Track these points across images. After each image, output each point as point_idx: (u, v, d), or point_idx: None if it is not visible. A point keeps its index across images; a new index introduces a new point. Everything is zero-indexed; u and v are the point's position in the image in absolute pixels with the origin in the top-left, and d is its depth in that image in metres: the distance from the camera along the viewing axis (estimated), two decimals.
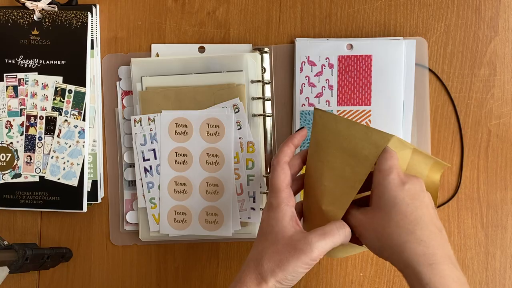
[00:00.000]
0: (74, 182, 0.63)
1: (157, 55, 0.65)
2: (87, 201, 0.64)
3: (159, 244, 0.65)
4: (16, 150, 0.64)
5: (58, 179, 0.63)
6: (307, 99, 0.63)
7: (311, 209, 0.52)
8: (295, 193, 0.52)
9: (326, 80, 0.63)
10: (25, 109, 0.64)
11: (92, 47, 0.64)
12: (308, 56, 0.63)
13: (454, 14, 0.64)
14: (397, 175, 0.46)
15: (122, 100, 0.65)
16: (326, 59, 0.63)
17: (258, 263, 0.47)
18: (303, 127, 0.54)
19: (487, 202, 0.63)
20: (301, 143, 0.53)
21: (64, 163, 0.63)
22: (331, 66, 0.63)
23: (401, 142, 0.48)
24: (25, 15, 0.64)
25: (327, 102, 0.63)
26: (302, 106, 0.63)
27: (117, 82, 0.65)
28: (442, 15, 0.64)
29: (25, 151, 0.64)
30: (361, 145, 0.47)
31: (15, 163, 0.64)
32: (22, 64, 0.64)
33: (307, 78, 0.63)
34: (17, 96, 0.64)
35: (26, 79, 0.64)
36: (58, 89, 0.64)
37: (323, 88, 0.63)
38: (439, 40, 0.64)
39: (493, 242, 0.63)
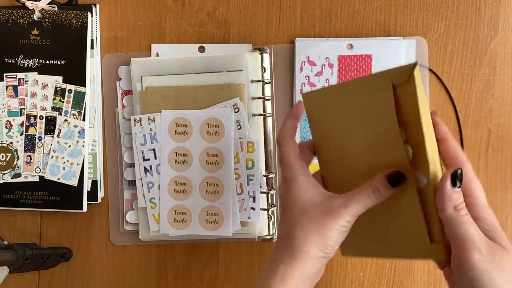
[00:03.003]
0: (74, 182, 0.63)
1: (157, 55, 0.65)
2: (87, 201, 0.64)
3: (159, 244, 0.65)
4: (16, 150, 0.64)
5: (58, 179, 0.63)
6: None
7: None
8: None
9: (326, 80, 0.63)
10: (25, 109, 0.64)
11: (92, 47, 0.64)
12: (308, 56, 0.63)
13: (454, 14, 0.64)
14: (481, 251, 0.39)
15: (122, 100, 0.65)
16: (326, 59, 0.63)
17: (292, 237, 0.44)
18: (298, 102, 0.50)
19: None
20: (302, 115, 0.50)
21: (64, 163, 0.63)
22: (331, 65, 0.62)
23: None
24: (25, 15, 0.64)
25: None
26: None
27: (117, 82, 0.65)
28: (442, 15, 0.64)
29: (25, 151, 0.64)
30: (370, 98, 0.43)
31: (15, 163, 0.64)
32: (22, 64, 0.64)
33: (307, 77, 0.63)
34: (17, 96, 0.64)
35: (26, 79, 0.64)
36: (58, 89, 0.64)
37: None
38: (439, 40, 0.64)
39: None
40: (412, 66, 0.40)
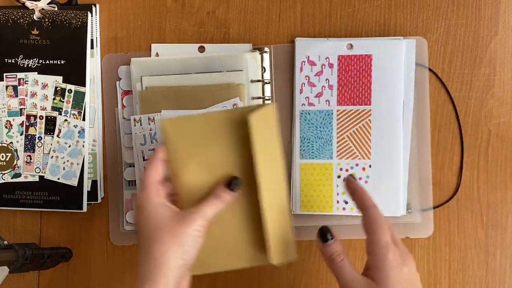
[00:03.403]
0: (74, 182, 0.63)
1: (157, 55, 0.65)
2: (87, 201, 0.64)
3: None
4: (16, 150, 0.64)
5: (58, 179, 0.63)
6: (307, 99, 0.63)
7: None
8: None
9: (326, 80, 0.62)
10: (25, 108, 0.64)
11: (92, 47, 0.64)
12: (308, 56, 0.62)
13: (454, 14, 0.64)
14: (394, 254, 0.47)
15: (122, 100, 0.65)
16: (326, 58, 0.62)
17: (151, 253, 0.47)
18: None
19: (487, 202, 0.63)
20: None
21: (64, 163, 0.63)
22: (331, 65, 0.62)
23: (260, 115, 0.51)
24: (25, 14, 0.64)
25: (327, 102, 0.62)
26: (302, 105, 0.63)
27: (117, 82, 0.65)
28: (442, 15, 0.64)
29: (25, 150, 0.64)
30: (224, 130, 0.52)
31: (15, 163, 0.64)
32: (22, 63, 0.64)
33: (307, 77, 0.63)
34: (17, 95, 0.64)
35: (26, 79, 0.64)
36: (58, 88, 0.64)
37: (323, 88, 0.63)
38: (439, 40, 0.64)
39: (493, 242, 0.63)
40: (252, 109, 0.50)
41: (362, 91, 0.62)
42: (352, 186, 0.52)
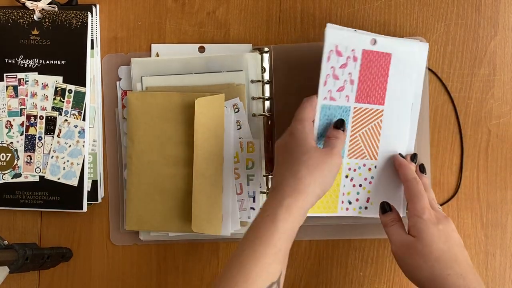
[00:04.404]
0: (74, 182, 0.63)
1: (157, 55, 0.65)
2: (87, 201, 0.64)
3: (159, 244, 0.65)
4: (16, 150, 0.64)
5: (58, 179, 0.64)
6: (329, 92, 0.58)
7: None
8: None
9: (349, 74, 0.58)
10: (25, 109, 0.64)
11: (92, 47, 0.64)
12: (337, 45, 0.57)
13: (454, 14, 0.64)
14: (430, 215, 0.54)
15: (122, 100, 0.65)
16: (352, 51, 0.57)
17: (296, 173, 0.51)
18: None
19: (487, 202, 0.63)
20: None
21: (64, 163, 0.63)
22: (355, 59, 0.58)
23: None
24: (25, 15, 0.64)
25: (347, 98, 0.58)
26: (324, 99, 0.57)
27: (117, 82, 0.65)
28: (442, 15, 0.64)
29: (25, 151, 0.64)
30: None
31: (15, 163, 0.64)
32: (22, 64, 0.64)
33: (332, 69, 0.57)
34: (17, 96, 0.64)
35: (26, 79, 0.64)
36: (58, 89, 0.64)
37: (345, 82, 0.58)
38: (439, 40, 0.64)
39: (493, 242, 0.63)
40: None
41: (378, 90, 0.59)
42: (400, 161, 0.60)
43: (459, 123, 0.64)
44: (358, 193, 0.61)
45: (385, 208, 0.58)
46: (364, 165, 0.61)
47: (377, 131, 0.60)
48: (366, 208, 0.61)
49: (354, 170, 0.60)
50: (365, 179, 0.61)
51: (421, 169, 0.60)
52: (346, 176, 0.60)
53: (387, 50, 0.59)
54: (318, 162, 0.52)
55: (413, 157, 0.61)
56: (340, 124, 0.57)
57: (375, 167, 0.61)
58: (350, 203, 0.61)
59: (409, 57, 0.59)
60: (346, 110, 0.59)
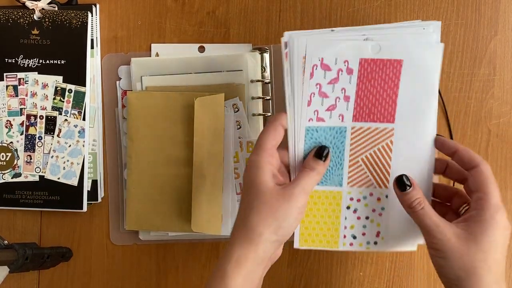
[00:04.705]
0: (74, 182, 0.63)
1: (157, 54, 0.65)
2: (87, 200, 0.64)
3: (159, 243, 0.65)
4: (16, 150, 0.64)
5: (58, 178, 0.64)
6: (315, 113, 0.50)
7: None
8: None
9: (342, 90, 0.50)
10: (25, 108, 0.64)
11: (92, 47, 0.64)
12: (322, 58, 0.49)
13: (454, 14, 0.64)
14: (502, 216, 0.46)
15: (122, 99, 0.65)
16: (344, 62, 0.49)
17: (246, 219, 0.46)
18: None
19: None
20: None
21: (64, 162, 0.63)
22: (350, 71, 0.49)
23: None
24: (25, 14, 0.64)
25: (340, 117, 0.50)
26: (309, 121, 0.50)
27: (117, 82, 0.65)
28: (442, 15, 0.64)
29: (25, 150, 0.64)
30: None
31: (15, 163, 0.64)
32: (22, 63, 0.64)
33: (318, 86, 0.49)
34: (17, 95, 0.64)
35: (26, 79, 0.64)
36: (58, 88, 0.64)
37: (337, 100, 0.50)
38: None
39: None
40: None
41: (385, 105, 0.50)
42: (451, 145, 0.49)
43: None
44: (364, 226, 0.53)
45: (405, 184, 0.48)
46: (371, 194, 0.52)
47: (387, 154, 0.51)
48: (375, 243, 0.53)
49: (358, 200, 0.52)
50: (373, 210, 0.52)
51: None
52: (348, 207, 0.53)
53: (396, 57, 0.49)
54: (271, 207, 0.46)
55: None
56: (320, 154, 0.49)
57: (386, 196, 0.52)
58: (354, 237, 0.53)
59: (429, 61, 0.49)
60: (340, 131, 0.51)
